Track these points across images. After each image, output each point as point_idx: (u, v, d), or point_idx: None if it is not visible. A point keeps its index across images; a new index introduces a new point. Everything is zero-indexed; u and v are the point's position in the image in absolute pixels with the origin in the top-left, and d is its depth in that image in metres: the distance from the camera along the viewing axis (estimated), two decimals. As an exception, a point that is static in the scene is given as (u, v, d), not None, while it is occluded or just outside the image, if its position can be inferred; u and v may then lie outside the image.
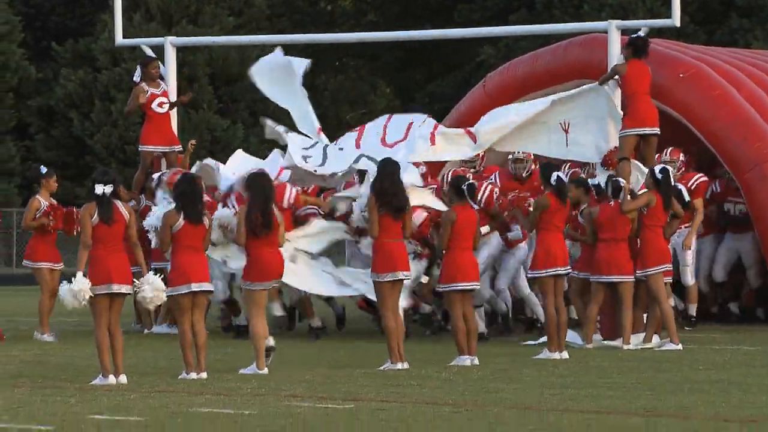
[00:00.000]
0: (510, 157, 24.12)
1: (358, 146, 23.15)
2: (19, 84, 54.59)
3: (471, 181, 20.67)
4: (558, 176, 20.69)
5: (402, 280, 19.50)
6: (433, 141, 22.92)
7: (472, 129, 23.54)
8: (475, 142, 23.56)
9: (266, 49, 51.90)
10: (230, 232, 19.58)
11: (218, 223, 19.69)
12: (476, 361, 19.32)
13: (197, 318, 18.54)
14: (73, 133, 52.59)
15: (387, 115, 24.52)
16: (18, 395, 16.74)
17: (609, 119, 23.90)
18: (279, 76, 24.42)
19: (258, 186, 19.21)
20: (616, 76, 23.58)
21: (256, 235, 18.65)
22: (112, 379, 17.51)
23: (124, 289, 17.92)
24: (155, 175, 23.92)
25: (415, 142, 22.84)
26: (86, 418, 14.66)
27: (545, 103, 24.12)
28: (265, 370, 18.61)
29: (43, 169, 23.59)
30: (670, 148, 24.82)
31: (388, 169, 19.92)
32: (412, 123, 23.44)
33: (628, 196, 21.70)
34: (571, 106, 24.17)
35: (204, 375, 18.24)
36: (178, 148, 24.49)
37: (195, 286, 18.24)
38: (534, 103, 24.48)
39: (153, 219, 19.80)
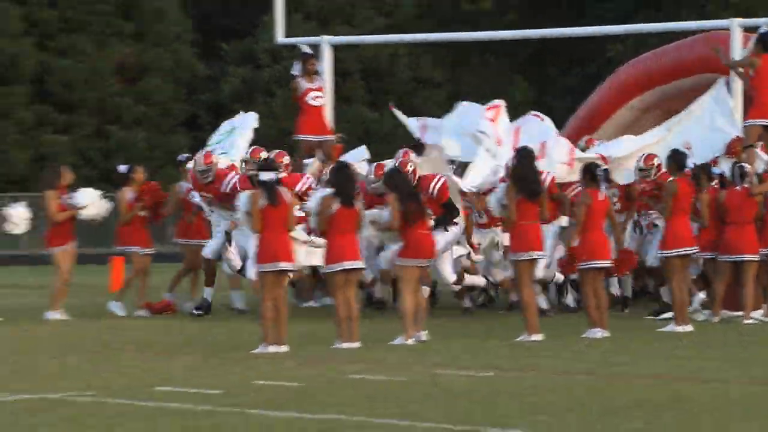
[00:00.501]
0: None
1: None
2: (190, 80, 54.90)
3: (605, 167, 20.54)
4: (691, 164, 20.69)
5: (537, 259, 19.45)
6: (571, 165, 22.83)
7: (605, 155, 23.42)
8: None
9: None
10: (380, 225, 19.88)
11: (370, 220, 19.74)
12: (607, 334, 19.14)
13: (350, 294, 18.55)
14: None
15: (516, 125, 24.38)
16: (189, 363, 16.96)
17: (730, 128, 23.69)
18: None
19: (401, 180, 19.47)
20: (740, 69, 23.38)
21: (410, 221, 18.73)
22: (273, 348, 17.52)
23: (289, 266, 18.11)
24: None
25: (554, 165, 22.76)
26: (250, 384, 14.74)
27: (664, 130, 23.99)
28: (412, 342, 18.59)
29: (123, 168, 24.11)
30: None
31: (525, 156, 19.88)
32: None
33: (755, 181, 21.48)
34: (688, 126, 24.02)
35: (357, 344, 18.22)
36: (331, 137, 24.43)
37: (347, 264, 18.22)
38: (653, 133, 24.30)
39: (311, 203, 19.79)
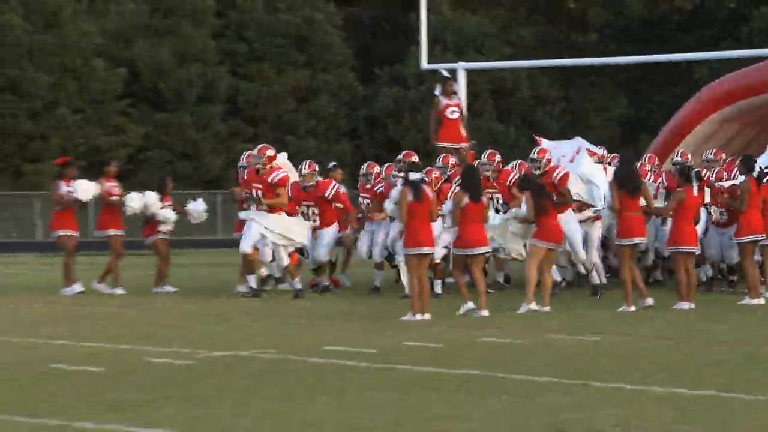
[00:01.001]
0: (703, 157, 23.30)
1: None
2: (351, 99, 55.06)
3: (696, 169, 20.25)
4: (760, 167, 20.35)
5: (638, 243, 19.26)
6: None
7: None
8: None
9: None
10: (520, 219, 19.79)
11: (512, 216, 20.00)
12: (692, 306, 18.95)
13: (478, 271, 18.57)
14: (389, 135, 52.89)
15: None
16: (349, 329, 16.91)
17: None
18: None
19: (533, 182, 19.49)
20: None
21: (542, 213, 18.76)
22: (419, 316, 17.52)
23: (430, 250, 18.13)
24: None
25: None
26: (401, 345, 14.73)
27: None
28: (533, 306, 18.52)
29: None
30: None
31: (627, 160, 19.84)
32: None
33: None
34: None
35: (485, 312, 18.18)
36: (465, 145, 24.34)
37: (475, 250, 18.26)
38: None
39: (446, 205, 19.71)
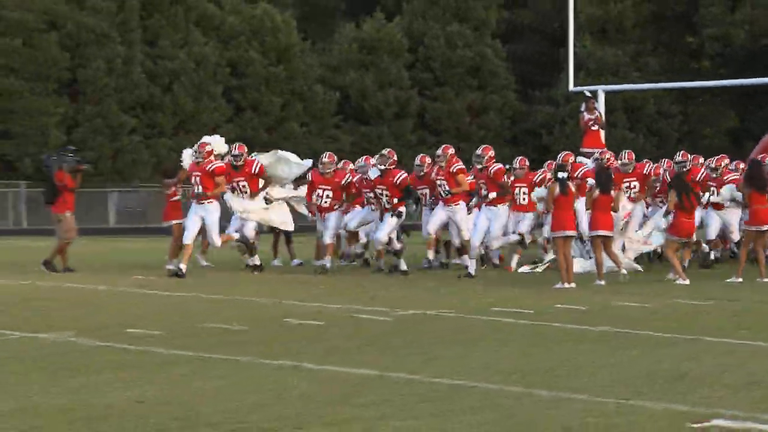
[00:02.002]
0: None
1: None
2: (513, 114, 54.97)
3: None
4: None
5: (765, 231, 18.66)
6: None
7: None
8: None
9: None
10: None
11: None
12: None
13: (609, 249, 18.37)
14: (543, 143, 52.64)
15: None
16: (511, 294, 16.55)
17: None
18: None
19: (682, 181, 18.93)
20: None
21: (683, 209, 18.32)
22: (566, 285, 17.40)
23: (573, 233, 18.00)
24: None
25: None
26: (552, 307, 14.62)
27: None
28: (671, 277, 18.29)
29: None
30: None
31: (756, 163, 19.76)
32: None
33: None
34: None
35: (603, 282, 17.79)
36: (604, 150, 24.15)
37: (601, 232, 18.01)
38: None
39: (538, 192, 19.58)
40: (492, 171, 20.18)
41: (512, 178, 20.60)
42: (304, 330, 12.50)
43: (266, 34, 50.48)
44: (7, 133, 44.09)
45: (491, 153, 20.71)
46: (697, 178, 20.54)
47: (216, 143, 20.13)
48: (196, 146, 19.93)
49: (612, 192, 18.33)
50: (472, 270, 19.46)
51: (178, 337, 11.88)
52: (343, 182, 20.56)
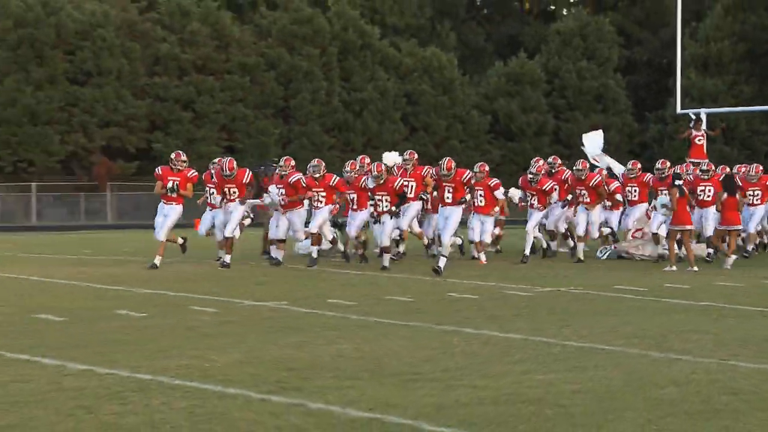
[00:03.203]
0: None
1: None
2: (630, 132, 53.91)
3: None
4: None
5: None
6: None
7: None
8: None
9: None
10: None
11: (661, 203, 17.99)
12: None
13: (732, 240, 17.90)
14: (654, 155, 51.44)
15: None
16: (623, 275, 16.14)
17: None
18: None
19: (730, 181, 18.30)
20: None
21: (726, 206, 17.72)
22: (674, 267, 16.95)
23: (690, 227, 17.28)
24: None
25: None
26: (664, 285, 14.27)
27: None
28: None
29: None
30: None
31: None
32: None
33: None
34: None
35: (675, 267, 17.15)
36: (705, 160, 23.46)
37: (731, 227, 17.53)
38: None
39: (661, 199, 18.25)
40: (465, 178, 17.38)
41: (473, 181, 17.79)
42: (464, 302, 12.48)
43: (434, 71, 50.64)
44: (233, 149, 45.18)
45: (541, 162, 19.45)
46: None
47: (391, 157, 19.49)
48: (282, 161, 17.98)
49: (737, 195, 17.99)
50: (441, 264, 16.26)
51: (368, 306, 12.00)
52: (330, 183, 17.67)
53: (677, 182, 17.39)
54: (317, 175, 17.58)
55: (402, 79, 50.36)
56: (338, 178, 17.77)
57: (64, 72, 43.95)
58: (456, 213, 17.14)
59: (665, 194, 18.00)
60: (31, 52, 43.28)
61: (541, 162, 19.85)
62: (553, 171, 19.77)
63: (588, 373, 7.74)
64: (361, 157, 19.24)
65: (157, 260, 16.88)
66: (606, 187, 19.45)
